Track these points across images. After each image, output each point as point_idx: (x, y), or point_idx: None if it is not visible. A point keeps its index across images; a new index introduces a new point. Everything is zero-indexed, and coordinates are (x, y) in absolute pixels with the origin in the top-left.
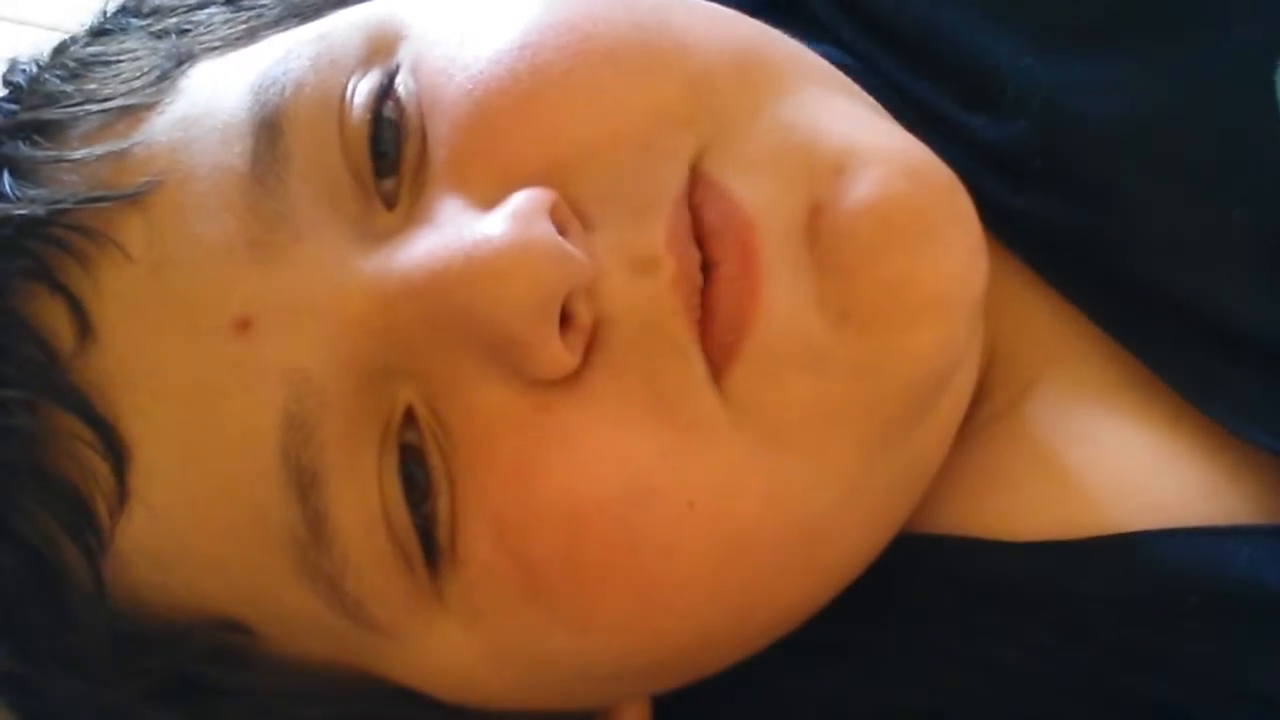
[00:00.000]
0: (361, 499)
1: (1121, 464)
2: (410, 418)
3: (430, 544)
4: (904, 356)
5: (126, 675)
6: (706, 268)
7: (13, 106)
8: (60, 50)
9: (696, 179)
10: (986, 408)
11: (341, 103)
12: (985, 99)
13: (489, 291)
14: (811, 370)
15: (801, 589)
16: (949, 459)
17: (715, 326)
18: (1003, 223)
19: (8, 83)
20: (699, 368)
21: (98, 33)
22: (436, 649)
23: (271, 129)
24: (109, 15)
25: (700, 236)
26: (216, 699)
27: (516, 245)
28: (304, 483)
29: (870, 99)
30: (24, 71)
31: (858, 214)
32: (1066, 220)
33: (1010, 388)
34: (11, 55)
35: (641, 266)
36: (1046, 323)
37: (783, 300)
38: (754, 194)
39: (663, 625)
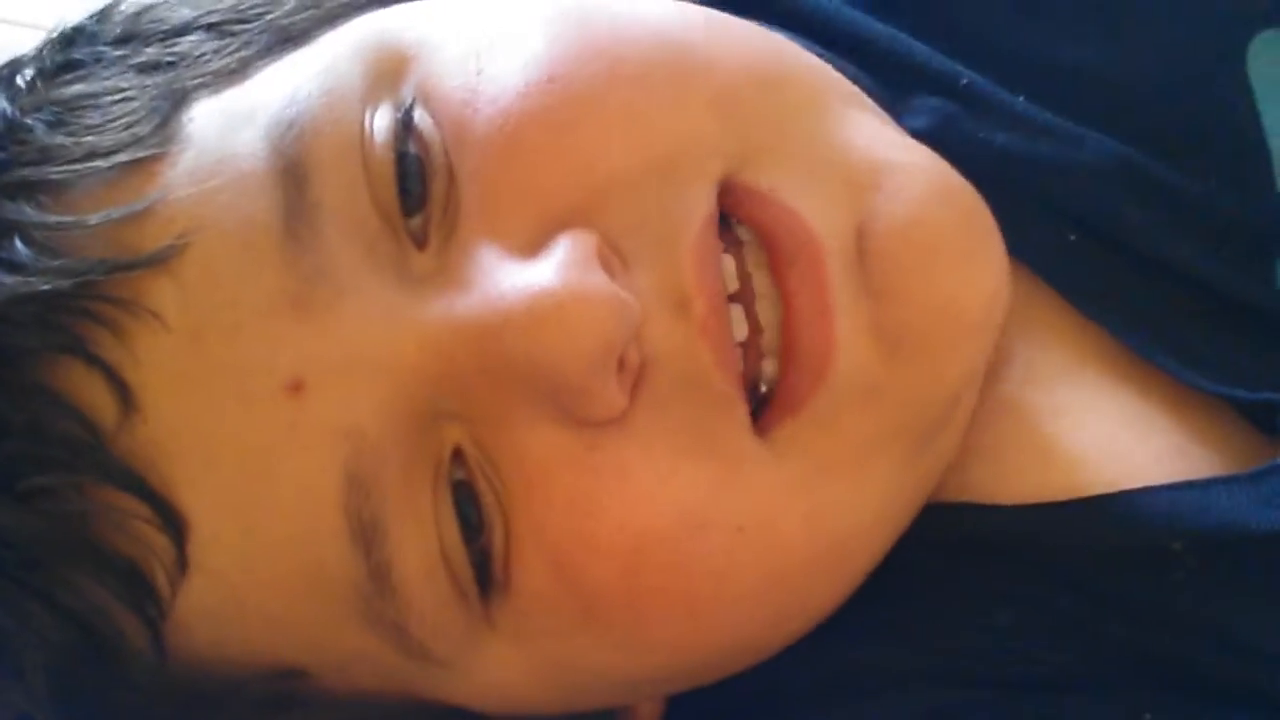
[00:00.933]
0: (421, 543)
1: (1096, 431)
2: (457, 457)
3: (485, 576)
4: (951, 377)
5: None
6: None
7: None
8: (18, 81)
9: (740, 193)
10: None
11: (362, 140)
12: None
13: (552, 344)
14: (866, 407)
15: (833, 594)
16: None
17: (793, 371)
18: None
19: None
20: (739, 413)
21: (69, 65)
22: (484, 670)
23: (297, 177)
24: (73, 40)
25: (773, 258)
26: None
27: (576, 296)
28: (367, 537)
29: (883, 112)
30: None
31: (901, 235)
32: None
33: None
34: None
35: (677, 305)
36: (1017, 294)
37: (848, 338)
38: (808, 206)
39: (707, 640)
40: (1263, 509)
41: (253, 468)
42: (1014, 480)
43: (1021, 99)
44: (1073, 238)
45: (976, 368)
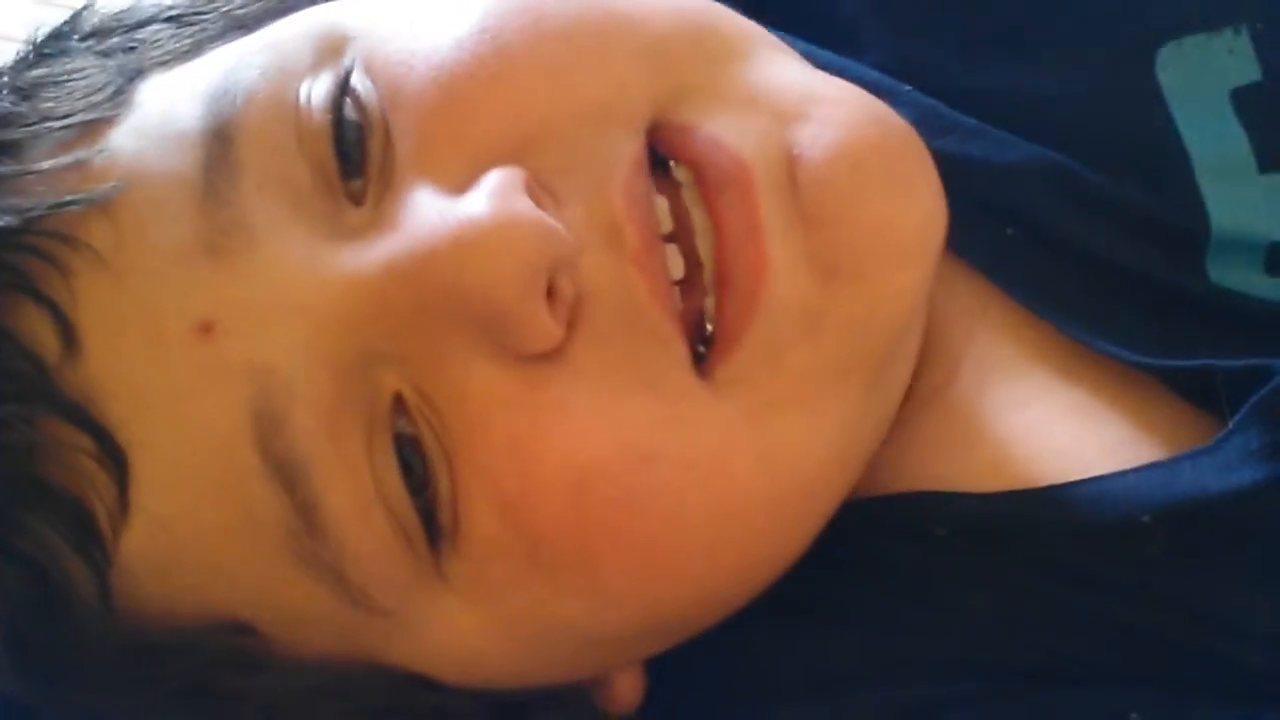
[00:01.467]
0: (353, 485)
1: (1052, 425)
2: (399, 404)
3: (432, 525)
4: (890, 301)
5: (137, 687)
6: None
7: None
8: None
9: (670, 131)
10: (925, 381)
11: (296, 107)
12: None
13: (478, 268)
14: (808, 337)
15: (798, 536)
16: (892, 432)
17: (727, 299)
18: None
19: None
20: (678, 350)
21: (39, 56)
22: (440, 628)
23: (223, 139)
24: (44, 40)
25: (705, 190)
26: (229, 704)
27: (501, 221)
28: (287, 474)
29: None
30: None
31: (833, 159)
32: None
33: (942, 363)
34: None
35: (608, 238)
36: (964, 294)
37: (782, 263)
38: (735, 138)
39: (666, 587)
40: (1224, 473)
41: (173, 409)
42: (977, 471)
43: (953, 110)
44: (1010, 231)
45: (916, 293)
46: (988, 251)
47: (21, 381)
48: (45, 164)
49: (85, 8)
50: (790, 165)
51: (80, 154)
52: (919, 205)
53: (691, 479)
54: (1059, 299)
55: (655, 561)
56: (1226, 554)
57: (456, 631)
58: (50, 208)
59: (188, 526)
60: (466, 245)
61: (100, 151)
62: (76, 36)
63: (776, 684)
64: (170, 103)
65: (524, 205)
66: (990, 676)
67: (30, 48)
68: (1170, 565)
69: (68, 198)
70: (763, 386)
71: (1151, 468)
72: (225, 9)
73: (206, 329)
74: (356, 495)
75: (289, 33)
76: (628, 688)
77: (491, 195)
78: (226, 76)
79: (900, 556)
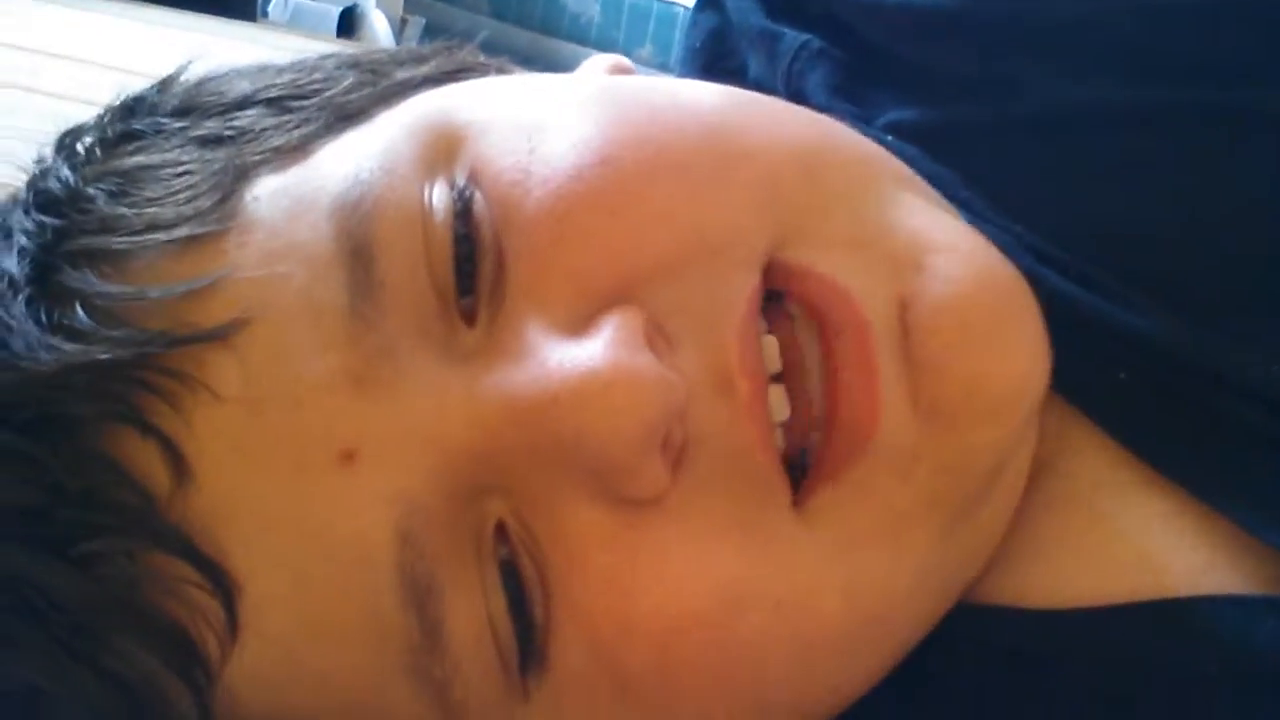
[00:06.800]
0: (471, 609)
1: (1149, 535)
2: (501, 532)
3: (527, 650)
4: (982, 450)
5: None
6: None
7: (56, 221)
8: (79, 149)
9: (785, 270)
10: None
11: (423, 219)
12: None
13: (600, 424)
14: (901, 475)
15: (868, 670)
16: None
17: (836, 436)
18: None
19: (39, 189)
20: (780, 492)
21: (129, 135)
22: None
23: (364, 258)
24: (133, 110)
25: (822, 332)
26: None
27: (624, 377)
28: (420, 595)
29: (929, 188)
30: (59, 180)
31: (942, 311)
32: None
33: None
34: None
35: (719, 385)
36: (1054, 420)
37: (892, 407)
38: (851, 281)
39: (738, 715)
40: None
41: (307, 530)
42: (1058, 582)
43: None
44: (1122, 376)
45: (1008, 443)
46: (1092, 390)
47: (126, 515)
48: (157, 291)
49: (171, 77)
50: (902, 310)
51: (195, 282)
52: (1016, 362)
53: (780, 619)
54: (1171, 446)
55: (737, 699)
56: None
57: None
58: (168, 345)
59: (305, 643)
60: (588, 397)
61: (219, 278)
62: (167, 112)
63: None
64: (291, 217)
65: (646, 361)
66: None
67: (118, 116)
68: (1233, 709)
69: (186, 335)
70: (852, 518)
71: (1233, 603)
72: (329, 94)
73: (349, 457)
74: (475, 620)
75: (401, 130)
76: None
77: (612, 345)
78: (350, 187)
79: (955, 674)
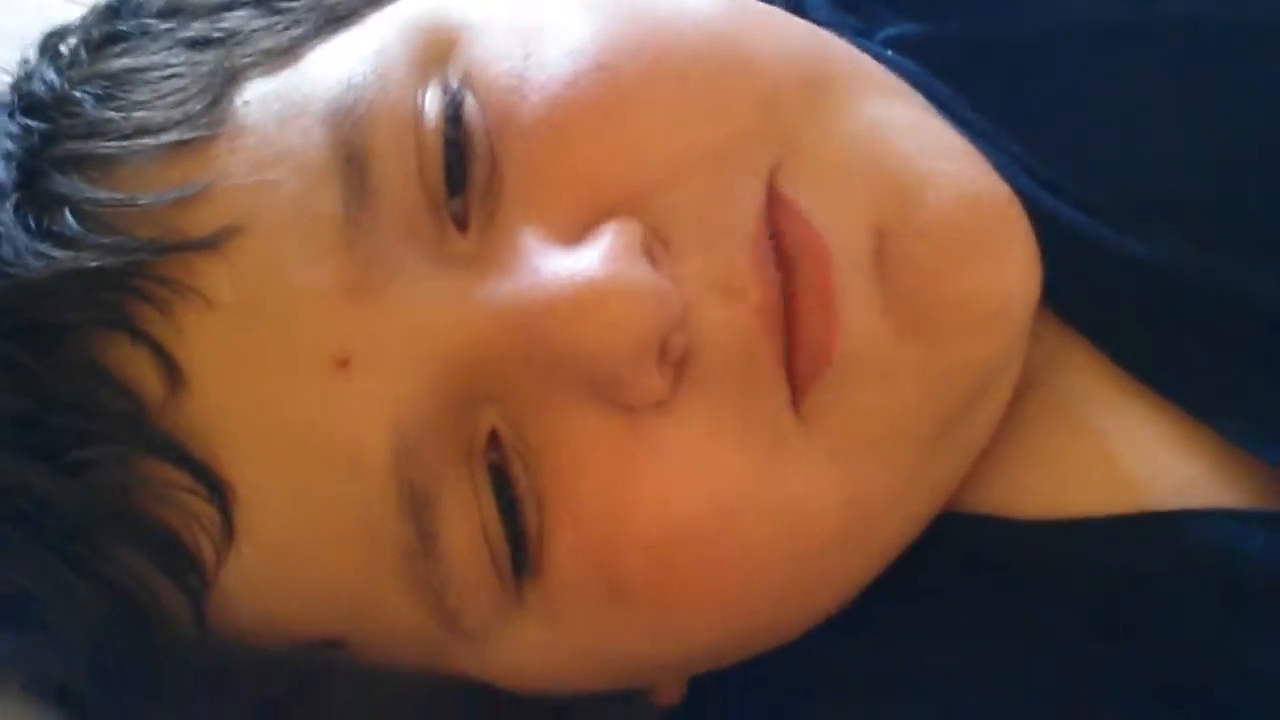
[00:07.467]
0: (465, 518)
1: (1136, 449)
2: (493, 440)
3: (519, 557)
4: (965, 364)
5: (217, 701)
6: (785, 294)
7: (43, 125)
8: (63, 50)
9: (773, 199)
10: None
11: (415, 125)
12: None
13: (595, 335)
14: (881, 381)
15: (860, 573)
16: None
17: (798, 357)
18: None
19: (24, 92)
20: (783, 395)
21: (115, 36)
22: (512, 647)
23: (358, 164)
24: (117, 11)
25: (781, 258)
26: (308, 714)
27: (620, 288)
28: (417, 503)
29: (923, 100)
30: (44, 83)
31: (920, 241)
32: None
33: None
34: None
35: (728, 293)
36: (1049, 337)
37: (856, 321)
38: (826, 217)
39: (734, 626)
40: None
41: (300, 436)
42: (1044, 493)
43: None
44: (1120, 296)
45: (996, 357)
46: (1089, 312)
47: (118, 421)
48: (147, 198)
49: None
50: (880, 239)
51: (185, 189)
52: (1003, 279)
53: (775, 528)
54: (1168, 363)
55: (729, 607)
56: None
57: (527, 650)
58: (158, 252)
59: (301, 548)
60: (583, 309)
61: (209, 185)
62: (153, 12)
63: (790, 683)
64: (283, 123)
65: (642, 272)
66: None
67: (103, 17)
68: (1225, 621)
69: (177, 242)
70: (841, 425)
71: (1226, 517)
72: None
73: (343, 364)
74: (469, 528)
75: (394, 32)
76: (674, 689)
77: (608, 256)
78: (344, 91)
79: (938, 576)
